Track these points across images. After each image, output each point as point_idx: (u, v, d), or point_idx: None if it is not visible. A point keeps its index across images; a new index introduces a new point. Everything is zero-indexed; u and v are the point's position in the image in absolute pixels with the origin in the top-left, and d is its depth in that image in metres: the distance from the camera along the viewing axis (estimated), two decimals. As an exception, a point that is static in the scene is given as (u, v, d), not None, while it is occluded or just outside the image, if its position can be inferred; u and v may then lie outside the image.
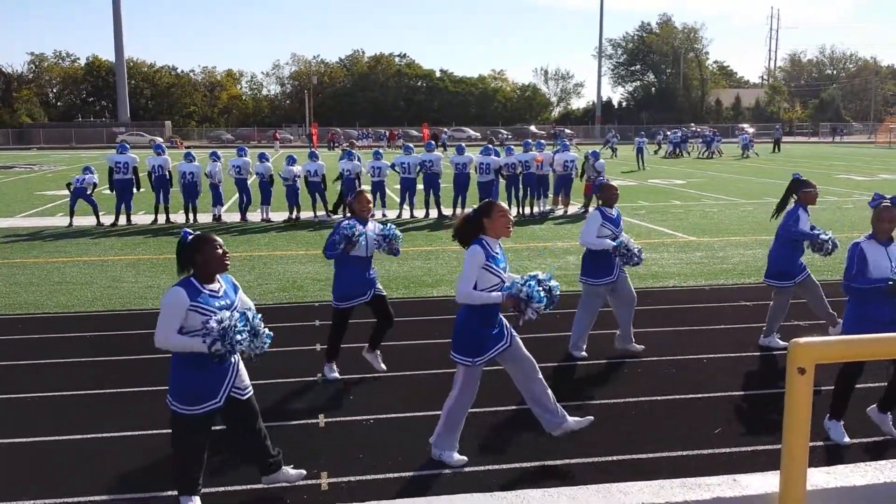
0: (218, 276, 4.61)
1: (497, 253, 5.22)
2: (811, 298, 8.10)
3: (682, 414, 6.21)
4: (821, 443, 5.53)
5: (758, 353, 7.78)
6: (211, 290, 4.53)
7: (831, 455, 5.41)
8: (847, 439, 5.66)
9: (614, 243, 7.39)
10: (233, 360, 4.56)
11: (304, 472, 5.03)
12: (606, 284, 7.53)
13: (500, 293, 5.11)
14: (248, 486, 5.04)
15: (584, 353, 7.66)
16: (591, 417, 5.51)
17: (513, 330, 5.33)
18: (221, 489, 5.01)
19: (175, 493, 4.66)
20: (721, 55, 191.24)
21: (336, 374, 7.12)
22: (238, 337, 4.30)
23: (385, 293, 7.17)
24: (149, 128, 75.42)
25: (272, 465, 4.88)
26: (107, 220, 17.89)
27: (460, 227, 5.27)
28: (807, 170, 35.51)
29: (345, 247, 6.71)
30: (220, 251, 4.53)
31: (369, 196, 7.07)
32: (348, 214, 7.41)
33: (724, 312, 9.49)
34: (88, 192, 17.91)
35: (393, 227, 6.99)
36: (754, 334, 8.44)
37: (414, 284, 11.15)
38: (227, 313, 4.36)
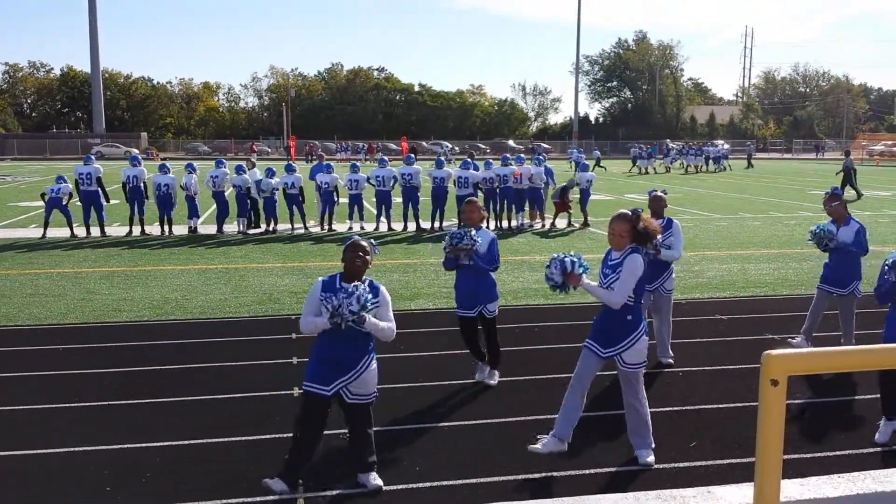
0: (366, 278, 4.99)
1: (609, 258, 5.41)
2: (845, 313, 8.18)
3: (657, 427, 6.22)
4: (794, 455, 5.57)
5: (733, 366, 7.85)
6: (344, 286, 4.87)
7: (805, 467, 5.45)
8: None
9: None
10: (352, 362, 4.92)
11: (381, 484, 5.08)
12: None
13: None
14: (226, 501, 4.99)
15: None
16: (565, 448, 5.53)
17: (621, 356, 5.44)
18: (220, 502, 4.95)
19: None
20: (696, 72, 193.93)
21: (482, 375, 7.18)
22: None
23: (494, 315, 7.07)
24: (124, 139, 74.86)
25: (367, 465, 5.12)
26: (79, 231, 17.70)
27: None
28: (782, 186, 35.97)
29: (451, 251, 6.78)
30: (357, 259, 4.95)
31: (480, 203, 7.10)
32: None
33: (698, 326, 9.56)
34: (64, 203, 17.69)
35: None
36: (728, 348, 8.52)
37: (393, 297, 11.09)
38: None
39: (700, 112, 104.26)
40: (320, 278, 5.05)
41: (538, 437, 5.55)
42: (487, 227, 7.09)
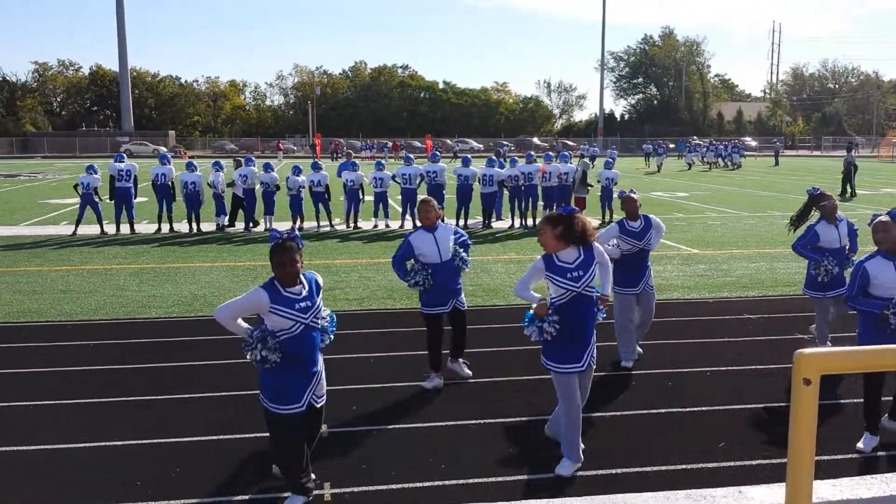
0: (301, 277, 4.74)
1: (567, 262, 5.27)
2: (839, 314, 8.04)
3: (685, 427, 6.20)
4: (826, 456, 5.50)
5: (761, 366, 7.77)
6: (291, 293, 4.67)
7: (838, 467, 5.38)
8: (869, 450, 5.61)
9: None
10: (316, 368, 4.82)
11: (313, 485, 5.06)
12: (634, 295, 7.56)
13: (531, 292, 5.44)
14: (249, 497, 5.03)
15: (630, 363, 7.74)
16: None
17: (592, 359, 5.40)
18: (221, 499, 5.00)
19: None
20: (723, 68, 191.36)
21: (439, 381, 7.15)
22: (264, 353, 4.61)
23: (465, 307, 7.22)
24: (152, 137, 75.68)
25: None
26: (109, 228, 17.92)
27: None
28: (811, 183, 35.55)
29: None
30: (294, 265, 4.65)
31: (434, 204, 7.09)
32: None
33: (726, 325, 9.48)
34: (95, 199, 17.86)
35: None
36: (757, 347, 8.44)
37: (415, 295, 11.11)
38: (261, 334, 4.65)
39: (727, 109, 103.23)
40: (262, 290, 4.66)
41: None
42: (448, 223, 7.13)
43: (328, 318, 4.90)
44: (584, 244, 5.24)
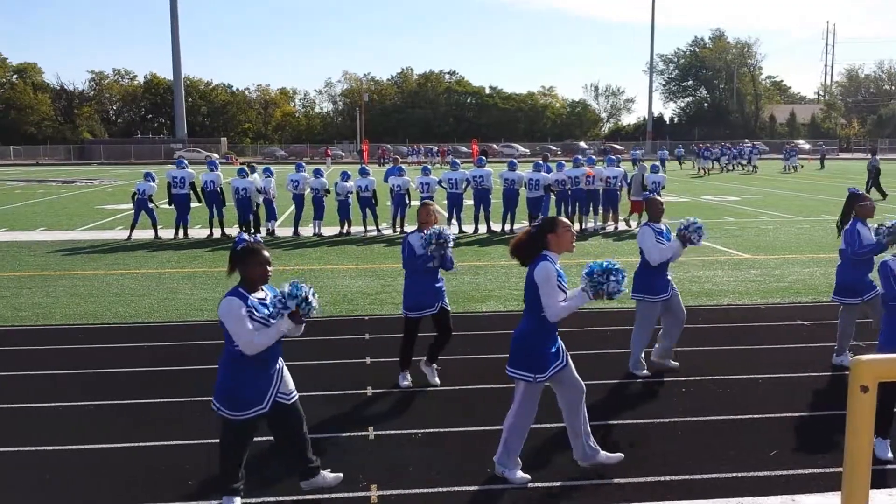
0: (262, 286, 4.74)
1: (560, 268, 5.18)
2: (878, 318, 7.83)
3: (737, 434, 6.09)
4: (884, 466, 5.36)
5: (815, 374, 7.60)
6: (258, 298, 4.66)
7: (894, 477, 5.23)
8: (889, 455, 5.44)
9: (678, 229, 7.33)
10: (277, 366, 4.73)
11: (341, 475, 5.12)
12: (663, 301, 7.45)
13: (584, 293, 5.02)
14: (295, 497, 5.09)
15: (646, 371, 7.56)
16: (622, 455, 5.43)
17: (567, 352, 5.27)
18: (270, 499, 5.06)
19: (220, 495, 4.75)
20: (775, 70, 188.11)
21: (408, 383, 7.24)
22: (306, 291, 4.57)
23: (450, 308, 7.31)
24: (205, 144, 77.15)
25: (311, 469, 5.01)
26: (164, 234, 18.30)
27: (521, 244, 5.25)
28: (862, 186, 34.63)
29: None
30: (266, 271, 4.65)
31: (434, 207, 7.22)
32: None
33: (779, 331, 9.29)
34: (149, 204, 18.26)
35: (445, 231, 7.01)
36: (810, 354, 8.26)
37: (463, 300, 11.16)
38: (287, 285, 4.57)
39: (780, 111, 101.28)
40: (232, 297, 4.60)
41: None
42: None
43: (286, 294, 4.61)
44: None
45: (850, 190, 8.01)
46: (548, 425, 6.06)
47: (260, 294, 4.69)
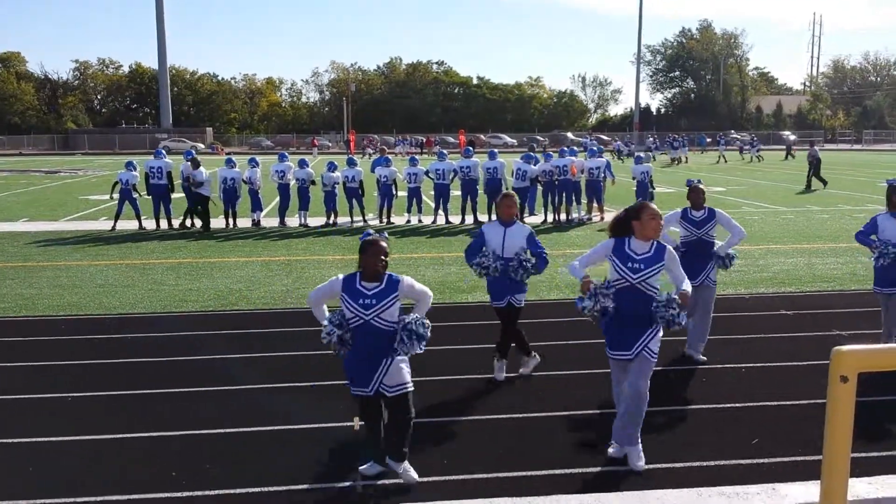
0: (384, 275, 4.96)
1: (636, 253, 5.19)
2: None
3: (719, 424, 6.13)
4: (862, 453, 5.41)
5: (797, 363, 7.66)
6: (365, 287, 4.92)
7: (873, 465, 5.28)
8: None
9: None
10: (382, 358, 4.95)
11: (416, 478, 5.11)
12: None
13: (582, 271, 5.30)
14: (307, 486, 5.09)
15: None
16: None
17: (648, 351, 5.23)
18: (256, 490, 5.07)
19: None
20: (762, 61, 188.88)
21: (503, 373, 7.17)
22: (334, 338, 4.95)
23: (521, 306, 7.06)
24: (190, 134, 76.71)
25: (391, 455, 5.12)
26: (148, 224, 18.19)
27: (614, 227, 5.35)
28: (851, 178, 34.89)
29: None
30: (380, 263, 4.90)
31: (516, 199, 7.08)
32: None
33: (763, 321, 9.35)
34: (132, 194, 18.12)
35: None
36: (793, 343, 8.33)
37: (449, 290, 11.17)
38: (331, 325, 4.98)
39: (766, 102, 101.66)
40: (340, 276, 5.02)
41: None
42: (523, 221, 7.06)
43: (412, 324, 4.92)
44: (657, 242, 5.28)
45: (888, 182, 7.89)
46: (532, 414, 6.06)
47: (371, 284, 4.93)
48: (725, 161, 49.53)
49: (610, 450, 5.44)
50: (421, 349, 4.95)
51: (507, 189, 19.03)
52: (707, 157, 57.61)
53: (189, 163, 17.95)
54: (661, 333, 5.24)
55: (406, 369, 5.04)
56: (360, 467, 5.17)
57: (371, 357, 4.95)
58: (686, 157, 49.75)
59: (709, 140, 67.17)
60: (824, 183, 29.30)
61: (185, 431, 6.00)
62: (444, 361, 7.68)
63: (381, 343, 4.94)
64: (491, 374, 7.23)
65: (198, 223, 18.15)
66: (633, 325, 5.19)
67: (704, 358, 7.65)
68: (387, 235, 5.05)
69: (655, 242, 5.24)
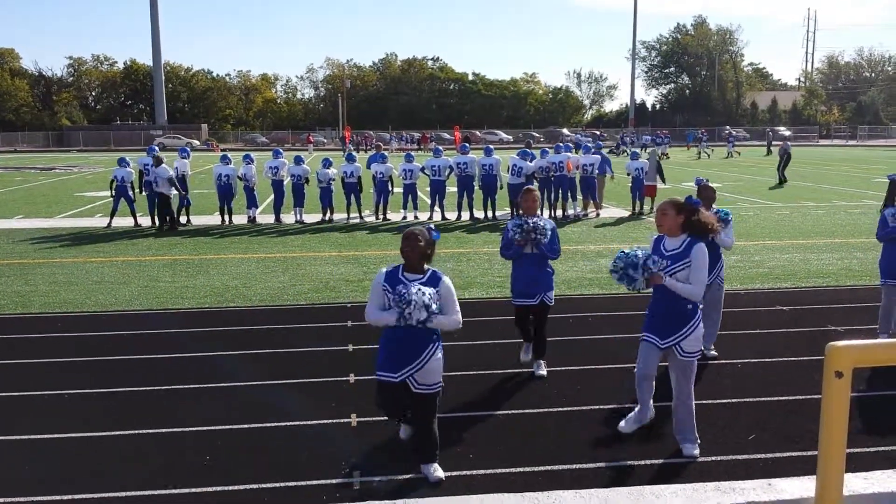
0: (428, 269, 5.02)
1: (666, 249, 5.28)
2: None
3: (715, 418, 6.15)
4: (858, 449, 5.44)
5: (793, 358, 7.68)
6: (407, 278, 4.98)
7: (869, 461, 5.31)
8: None
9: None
10: (417, 349, 4.95)
11: (442, 476, 5.11)
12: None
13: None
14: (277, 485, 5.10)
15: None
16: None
17: (679, 348, 5.33)
18: (254, 486, 5.07)
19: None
20: (757, 57, 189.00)
21: (528, 357, 7.19)
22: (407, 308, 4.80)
23: (551, 304, 7.08)
24: (185, 131, 76.49)
25: (428, 456, 5.15)
26: (143, 220, 18.15)
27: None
28: (845, 173, 34.97)
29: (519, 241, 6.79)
30: (409, 249, 4.95)
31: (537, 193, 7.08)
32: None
33: (759, 317, 9.38)
34: (130, 193, 18.08)
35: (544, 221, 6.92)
36: (789, 339, 8.35)
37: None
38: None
39: (761, 98, 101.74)
40: (384, 269, 5.09)
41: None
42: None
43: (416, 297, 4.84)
44: (700, 236, 5.29)
45: (889, 177, 8.11)
46: (525, 411, 6.08)
47: (416, 275, 4.98)
48: (709, 157, 50.17)
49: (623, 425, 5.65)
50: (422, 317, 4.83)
51: (501, 185, 19.13)
52: (692, 153, 58.04)
53: (152, 159, 17.63)
54: (696, 333, 5.31)
55: (439, 369, 5.05)
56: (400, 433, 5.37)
57: (409, 347, 4.94)
58: (667, 154, 50.26)
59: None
60: (783, 180, 29.26)
61: (183, 428, 6.00)
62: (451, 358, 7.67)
63: (420, 335, 4.93)
64: (496, 370, 7.24)
65: (184, 220, 18.19)
66: (666, 321, 5.31)
67: (716, 353, 7.69)
68: (432, 226, 5.10)
69: (688, 238, 5.26)
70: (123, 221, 18.13)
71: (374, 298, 5.00)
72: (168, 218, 17.54)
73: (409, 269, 5.01)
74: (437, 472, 5.10)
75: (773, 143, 55.93)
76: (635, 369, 5.60)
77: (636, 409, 5.64)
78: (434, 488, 5.00)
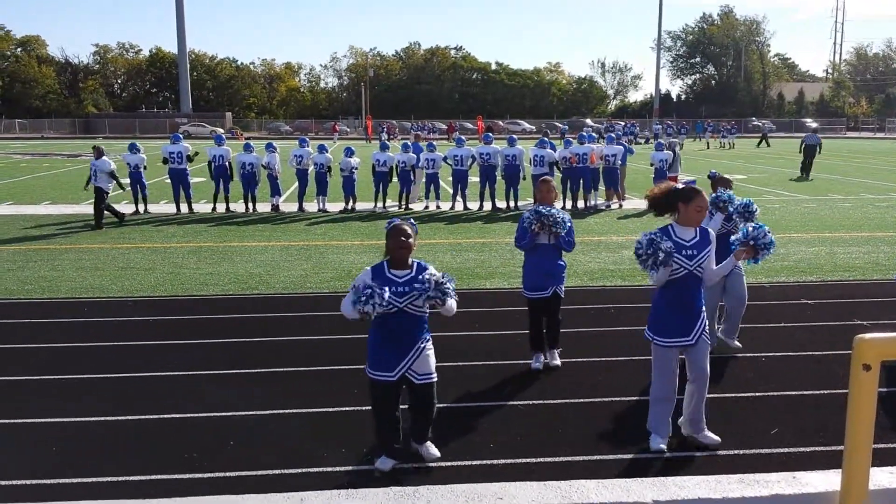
0: (412, 262, 4.94)
1: (685, 240, 5.18)
2: None
3: (739, 412, 6.12)
4: (885, 444, 5.38)
5: (818, 352, 7.61)
6: (395, 275, 4.88)
7: (894, 456, 5.25)
8: None
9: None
10: (411, 343, 4.95)
11: (437, 453, 5.21)
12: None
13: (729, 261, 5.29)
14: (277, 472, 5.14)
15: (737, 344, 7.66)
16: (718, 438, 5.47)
17: (706, 335, 5.28)
18: (270, 472, 5.11)
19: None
20: (784, 48, 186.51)
21: (539, 365, 7.10)
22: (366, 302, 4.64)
23: (563, 296, 7.09)
24: (210, 119, 76.92)
25: (415, 439, 5.24)
26: (151, 207, 18.28)
27: (658, 197, 5.30)
28: (874, 166, 34.49)
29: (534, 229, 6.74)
30: (401, 246, 4.86)
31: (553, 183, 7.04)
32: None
33: (783, 310, 9.30)
34: (143, 180, 18.26)
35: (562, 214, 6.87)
36: (814, 332, 8.27)
37: (468, 276, 11.18)
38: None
39: (788, 89, 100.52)
40: (369, 266, 4.98)
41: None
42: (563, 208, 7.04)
43: (432, 282, 4.80)
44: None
45: None
46: (546, 401, 6.07)
47: (402, 271, 4.90)
48: (708, 148, 50.62)
49: (661, 444, 5.35)
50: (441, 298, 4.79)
51: (524, 176, 19.08)
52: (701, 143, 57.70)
53: (93, 150, 17.05)
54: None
55: (433, 359, 5.07)
56: (375, 463, 5.10)
57: (402, 342, 4.94)
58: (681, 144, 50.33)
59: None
60: (804, 175, 28.48)
61: (206, 413, 6.06)
62: (464, 347, 7.70)
63: (413, 328, 4.95)
64: (504, 361, 7.24)
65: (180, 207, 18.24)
66: (691, 312, 5.23)
67: (740, 345, 7.63)
68: (413, 222, 5.03)
69: (698, 227, 5.24)
70: (151, 208, 18.30)
71: (352, 295, 4.73)
72: (110, 213, 16.58)
73: (396, 265, 4.92)
74: (433, 449, 5.22)
75: (772, 135, 55.69)
76: (652, 391, 5.41)
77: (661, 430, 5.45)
78: (429, 472, 5.01)
